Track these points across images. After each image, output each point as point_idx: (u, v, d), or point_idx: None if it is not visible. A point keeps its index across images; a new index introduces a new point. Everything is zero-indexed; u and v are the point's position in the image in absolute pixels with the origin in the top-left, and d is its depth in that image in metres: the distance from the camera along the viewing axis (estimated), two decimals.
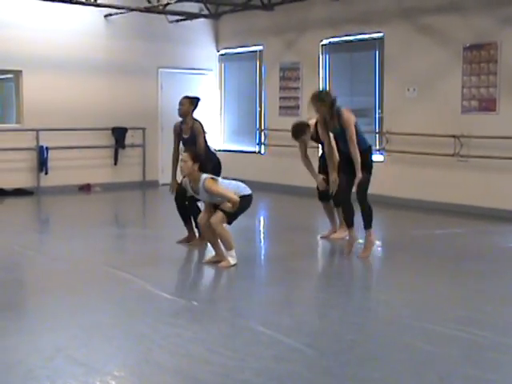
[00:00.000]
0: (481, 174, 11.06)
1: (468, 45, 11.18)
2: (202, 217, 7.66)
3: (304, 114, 14.02)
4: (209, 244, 7.87)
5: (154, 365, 4.68)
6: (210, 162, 7.96)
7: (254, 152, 15.12)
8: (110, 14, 14.26)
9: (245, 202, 7.44)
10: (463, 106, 11.31)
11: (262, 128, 14.94)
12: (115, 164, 14.72)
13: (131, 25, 14.56)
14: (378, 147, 12.72)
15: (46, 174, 13.88)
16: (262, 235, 10.46)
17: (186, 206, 8.43)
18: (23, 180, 13.74)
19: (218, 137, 16.06)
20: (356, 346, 5.06)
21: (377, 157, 12.73)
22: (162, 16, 14.49)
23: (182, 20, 14.85)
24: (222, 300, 6.64)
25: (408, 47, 12.07)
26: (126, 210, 12.97)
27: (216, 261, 7.55)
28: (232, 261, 7.43)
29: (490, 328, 5.46)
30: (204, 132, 8.50)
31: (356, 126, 7.79)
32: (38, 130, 13.69)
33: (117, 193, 13.93)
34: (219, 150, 15.94)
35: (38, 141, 13.70)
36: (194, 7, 14.64)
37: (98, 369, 4.57)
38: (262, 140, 14.93)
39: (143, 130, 14.95)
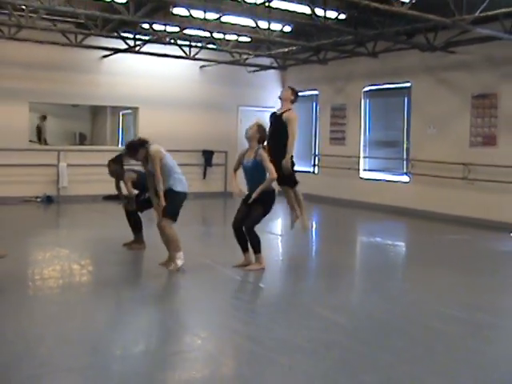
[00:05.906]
0: (484, 194, 10.86)
1: (475, 94, 11.02)
2: (158, 221, 6.57)
3: (349, 144, 14.03)
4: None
5: (230, 330, 4.76)
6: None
7: (310, 172, 15.15)
8: (204, 66, 14.57)
9: (179, 197, 6.49)
10: (471, 141, 11.13)
11: (316, 153, 14.97)
12: (204, 178, 14.93)
13: (219, 73, 14.76)
14: (405, 170, 12.66)
15: None
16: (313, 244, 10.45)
17: (134, 216, 7.72)
18: None
19: None
20: (385, 322, 5.06)
21: (404, 178, 12.69)
22: (243, 67, 14.71)
23: (257, 70, 15.04)
24: (286, 284, 6.67)
25: (430, 94, 11.95)
26: (212, 213, 13.17)
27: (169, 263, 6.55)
28: (179, 262, 6.37)
29: (488, 311, 5.42)
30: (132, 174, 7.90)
31: None
32: None
33: (204, 200, 14.10)
34: None
35: None
36: (266, 61, 14.84)
37: (189, 331, 4.74)
38: (316, 162, 14.96)
39: (225, 152, 15.12)
